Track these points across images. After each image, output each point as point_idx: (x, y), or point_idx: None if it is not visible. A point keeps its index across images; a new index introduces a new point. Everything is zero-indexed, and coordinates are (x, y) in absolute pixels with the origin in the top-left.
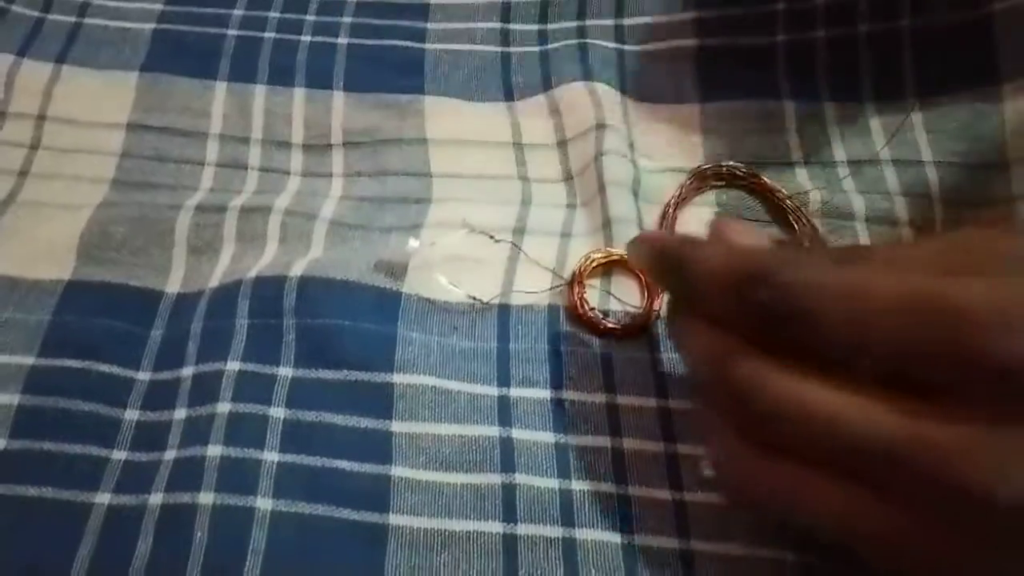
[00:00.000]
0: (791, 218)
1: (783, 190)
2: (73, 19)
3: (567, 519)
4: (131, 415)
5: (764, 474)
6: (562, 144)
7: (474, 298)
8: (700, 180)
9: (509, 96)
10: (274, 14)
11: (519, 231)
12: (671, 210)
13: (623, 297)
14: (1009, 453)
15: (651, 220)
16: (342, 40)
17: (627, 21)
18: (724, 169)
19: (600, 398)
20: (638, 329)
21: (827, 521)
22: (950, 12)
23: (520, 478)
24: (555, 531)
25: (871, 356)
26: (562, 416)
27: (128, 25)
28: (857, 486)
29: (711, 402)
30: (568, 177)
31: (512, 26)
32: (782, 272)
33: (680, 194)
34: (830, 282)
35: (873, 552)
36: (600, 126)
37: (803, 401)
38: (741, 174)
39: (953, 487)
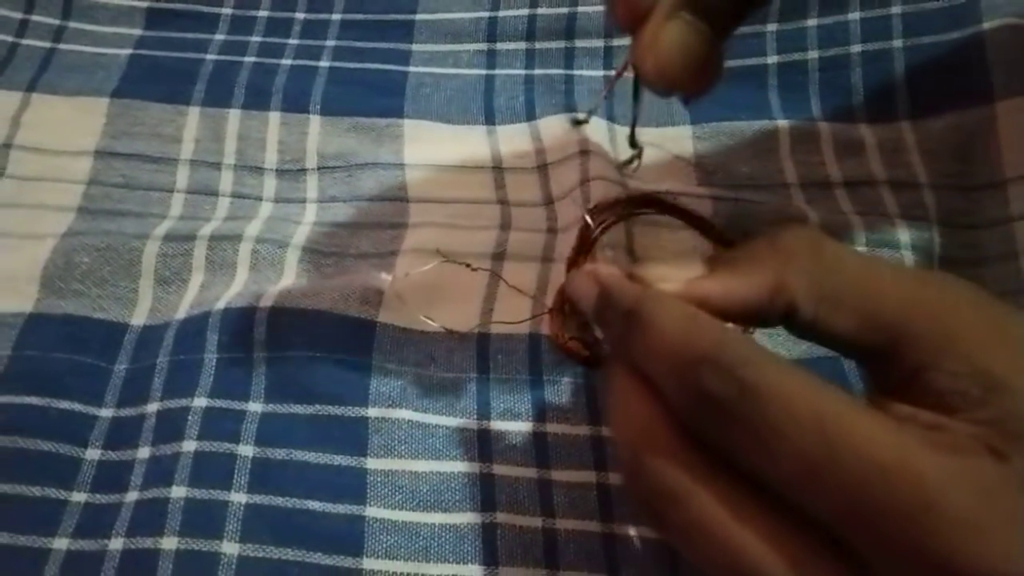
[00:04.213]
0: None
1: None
2: (48, 44)
3: (551, 560)
4: (92, 454)
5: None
6: (543, 168)
7: (450, 331)
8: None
9: (491, 120)
10: (256, 38)
11: (498, 256)
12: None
13: None
14: None
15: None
16: (323, 63)
17: (616, 42)
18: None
19: (584, 430)
20: None
21: None
22: (941, 32)
23: (501, 517)
24: (538, 574)
25: (816, 509)
26: (545, 450)
27: (104, 50)
28: None
29: (625, 479)
30: (548, 201)
31: (499, 46)
32: (747, 365)
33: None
34: (798, 399)
35: None
36: (584, 152)
37: (717, 535)
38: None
39: None
